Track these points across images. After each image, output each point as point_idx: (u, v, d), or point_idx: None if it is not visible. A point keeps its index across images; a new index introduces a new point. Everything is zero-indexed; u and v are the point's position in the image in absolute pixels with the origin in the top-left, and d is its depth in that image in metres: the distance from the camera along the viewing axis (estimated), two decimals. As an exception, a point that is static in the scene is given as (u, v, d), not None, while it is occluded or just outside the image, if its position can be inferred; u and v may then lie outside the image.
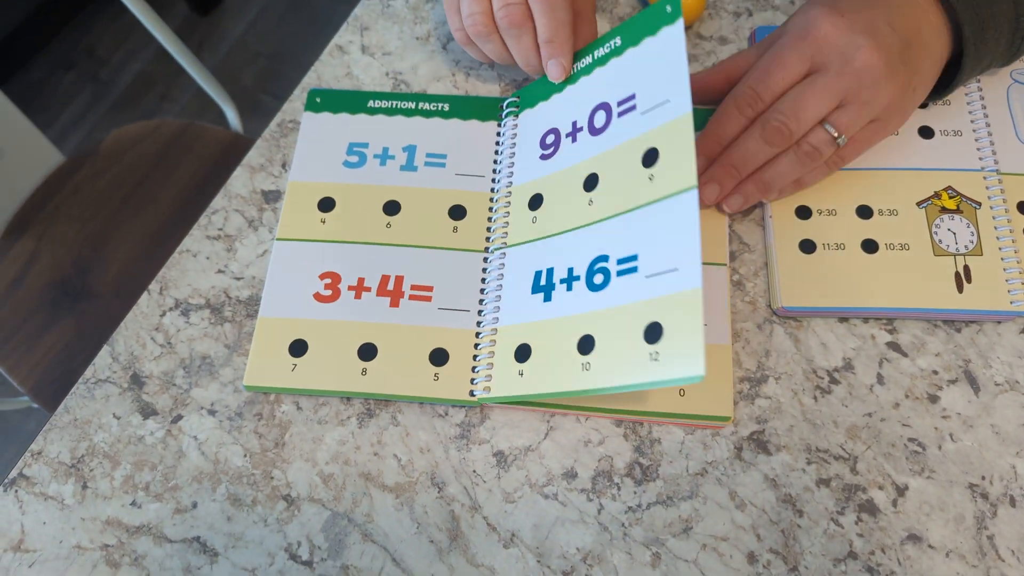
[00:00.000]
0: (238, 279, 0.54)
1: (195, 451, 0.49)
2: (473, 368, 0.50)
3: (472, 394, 0.49)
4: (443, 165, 0.56)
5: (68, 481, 0.49)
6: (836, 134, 0.49)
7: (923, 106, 0.56)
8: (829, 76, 0.48)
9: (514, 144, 0.56)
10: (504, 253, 0.52)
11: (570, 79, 0.54)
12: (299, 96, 0.60)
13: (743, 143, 0.51)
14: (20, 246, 0.95)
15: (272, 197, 0.57)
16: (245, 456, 0.49)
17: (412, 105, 0.58)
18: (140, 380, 0.51)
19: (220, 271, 0.54)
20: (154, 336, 0.52)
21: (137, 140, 1.01)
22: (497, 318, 0.50)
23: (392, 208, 0.54)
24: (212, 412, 0.50)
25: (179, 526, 0.48)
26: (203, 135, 1.02)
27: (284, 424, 0.50)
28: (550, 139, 0.53)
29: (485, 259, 0.53)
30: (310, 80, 0.61)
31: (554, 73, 0.53)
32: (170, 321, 0.53)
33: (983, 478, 0.48)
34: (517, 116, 0.57)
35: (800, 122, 0.49)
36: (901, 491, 0.47)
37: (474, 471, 0.49)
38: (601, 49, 0.52)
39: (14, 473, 0.49)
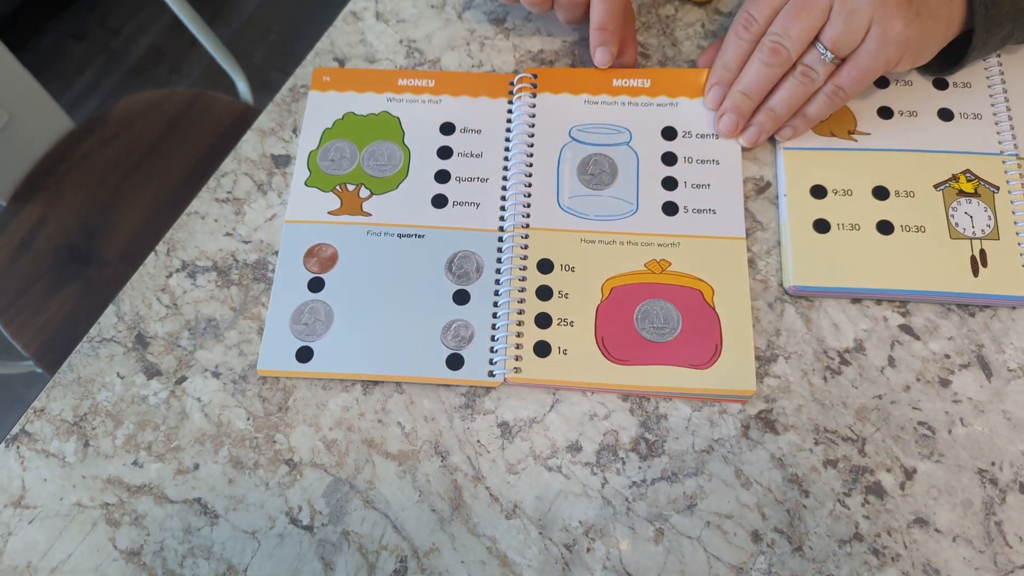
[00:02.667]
0: (246, 242, 0.54)
1: (198, 413, 0.49)
2: (491, 348, 0.49)
3: (492, 375, 0.49)
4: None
5: (70, 439, 0.48)
6: (823, 51, 0.49)
7: (942, 87, 0.55)
8: None
9: (532, 124, 0.55)
10: (527, 235, 0.52)
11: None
12: (311, 61, 0.59)
13: (748, 68, 0.52)
14: (28, 211, 0.95)
15: (282, 162, 0.56)
16: (248, 419, 0.49)
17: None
18: (145, 340, 0.51)
19: (228, 234, 0.54)
20: (160, 297, 0.52)
21: (148, 108, 1.01)
22: (524, 299, 0.50)
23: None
24: (216, 375, 0.50)
25: (180, 487, 0.47)
26: (214, 105, 1.01)
27: (288, 389, 0.50)
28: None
29: (500, 239, 0.52)
30: (324, 46, 0.60)
31: (602, 59, 0.55)
32: (176, 282, 0.52)
33: (992, 464, 0.47)
34: (534, 96, 0.56)
35: (792, 39, 0.49)
36: (909, 474, 0.47)
37: (478, 441, 0.48)
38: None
39: (16, 429, 0.49)
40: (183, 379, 0.50)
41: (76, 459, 0.48)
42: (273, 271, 0.52)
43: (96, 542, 0.46)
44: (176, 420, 0.49)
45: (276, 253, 0.53)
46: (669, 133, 0.55)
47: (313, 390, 0.49)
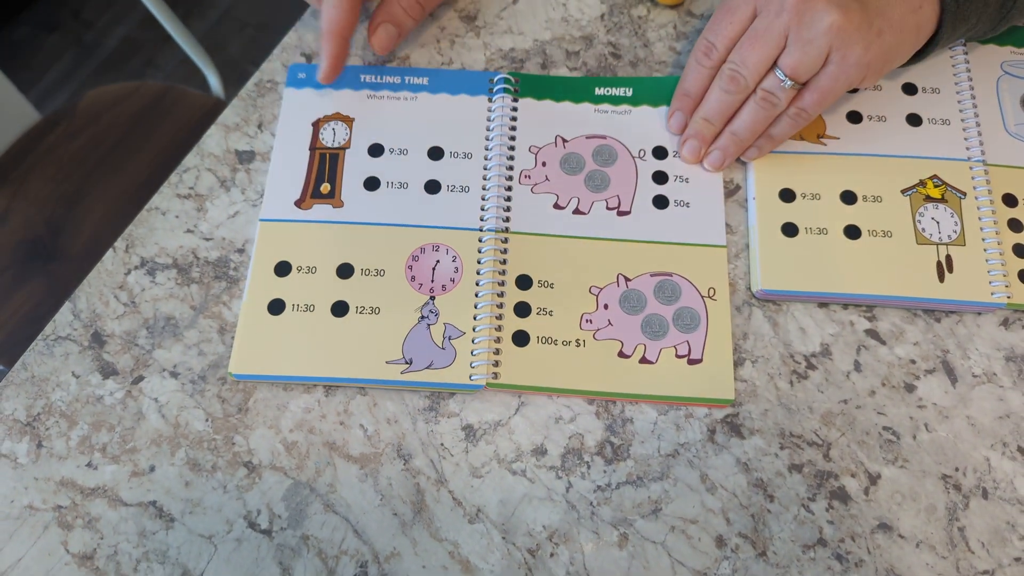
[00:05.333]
0: (207, 239, 0.52)
1: (155, 413, 0.48)
2: (472, 352, 0.48)
3: (472, 378, 0.48)
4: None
5: (22, 440, 0.47)
6: (782, 78, 0.49)
7: (911, 92, 0.55)
8: (769, 16, 0.48)
9: (514, 127, 0.55)
10: (506, 239, 0.51)
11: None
12: (278, 55, 0.58)
13: (709, 95, 0.52)
14: (-9, 204, 0.93)
15: (246, 158, 0.55)
16: (207, 420, 0.48)
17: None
18: (101, 339, 0.50)
19: (189, 231, 0.53)
20: (117, 294, 0.51)
21: (116, 101, 0.99)
22: (503, 304, 0.50)
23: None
24: (174, 374, 0.49)
25: (135, 489, 0.46)
26: (184, 99, 1.00)
27: (248, 389, 0.49)
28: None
29: (480, 239, 0.52)
30: (291, 40, 0.59)
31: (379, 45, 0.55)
32: (135, 280, 0.51)
33: (956, 469, 0.47)
34: (516, 99, 0.56)
35: (749, 68, 0.49)
36: (873, 479, 0.47)
37: (442, 444, 0.47)
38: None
39: (-34, 429, 0.47)
40: (140, 379, 0.49)
41: (28, 460, 0.47)
42: (235, 269, 0.51)
43: (48, 546, 0.45)
44: (132, 421, 0.48)
45: (239, 251, 0.52)
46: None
47: (274, 391, 0.49)
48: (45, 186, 0.94)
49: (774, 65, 0.49)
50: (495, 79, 0.56)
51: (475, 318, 0.49)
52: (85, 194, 0.93)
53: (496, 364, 0.48)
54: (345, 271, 0.50)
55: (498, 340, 0.49)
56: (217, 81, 1.06)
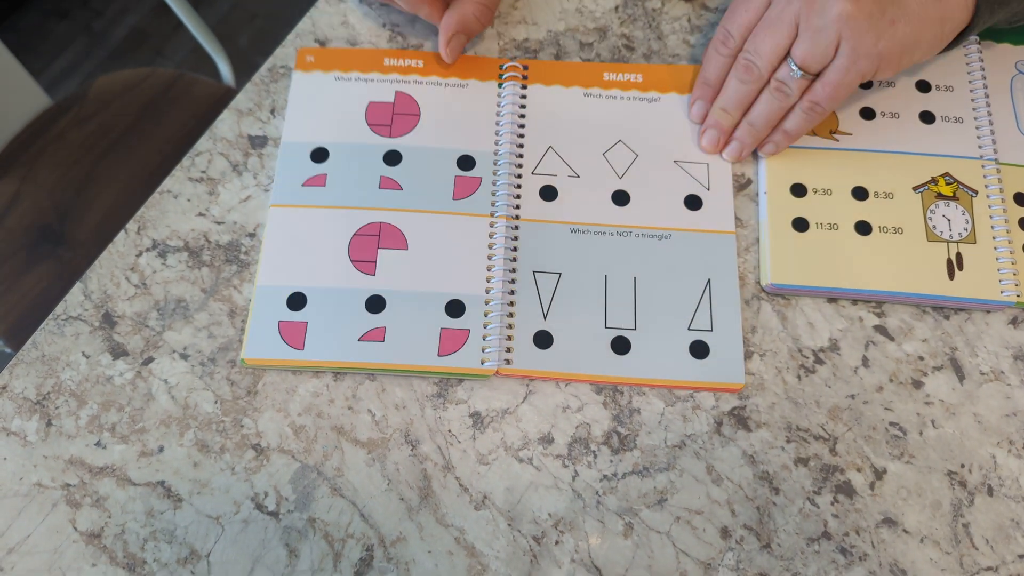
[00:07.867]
0: (219, 223, 0.53)
1: (164, 395, 0.48)
2: (484, 337, 0.49)
3: (484, 364, 0.48)
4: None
5: (32, 418, 0.47)
6: (793, 67, 0.49)
7: (925, 89, 0.55)
8: (780, 4, 0.49)
9: (523, 114, 0.55)
10: (516, 226, 0.51)
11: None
12: (292, 42, 0.59)
13: (727, 85, 0.53)
14: (0, 188, 0.93)
15: (259, 143, 0.55)
16: (216, 403, 0.48)
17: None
18: (112, 320, 0.50)
19: (201, 214, 0.53)
20: (129, 276, 0.51)
21: (126, 88, 0.99)
22: (513, 291, 0.50)
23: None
24: (184, 356, 0.49)
25: (144, 469, 0.46)
26: (194, 87, 1.00)
27: (257, 372, 0.49)
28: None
29: (492, 224, 0.52)
30: (304, 27, 0.59)
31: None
32: (146, 262, 0.51)
33: (962, 466, 0.47)
34: (525, 87, 0.56)
35: (762, 56, 0.50)
36: (879, 474, 0.47)
37: (449, 431, 0.48)
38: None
39: (-23, 407, 0.48)
40: (150, 360, 0.49)
41: (38, 438, 0.47)
42: (246, 253, 0.52)
43: (56, 523, 0.45)
44: (142, 401, 0.48)
45: (250, 235, 0.52)
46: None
47: (283, 375, 0.49)
48: (55, 171, 0.94)
49: (788, 54, 0.49)
50: (504, 67, 0.56)
51: (487, 304, 0.49)
52: (94, 180, 0.93)
53: (508, 351, 0.48)
54: None
55: (510, 327, 0.49)
56: (228, 69, 1.06)
